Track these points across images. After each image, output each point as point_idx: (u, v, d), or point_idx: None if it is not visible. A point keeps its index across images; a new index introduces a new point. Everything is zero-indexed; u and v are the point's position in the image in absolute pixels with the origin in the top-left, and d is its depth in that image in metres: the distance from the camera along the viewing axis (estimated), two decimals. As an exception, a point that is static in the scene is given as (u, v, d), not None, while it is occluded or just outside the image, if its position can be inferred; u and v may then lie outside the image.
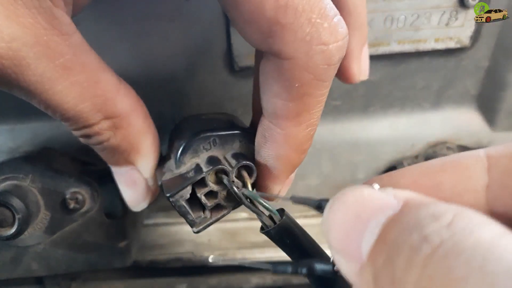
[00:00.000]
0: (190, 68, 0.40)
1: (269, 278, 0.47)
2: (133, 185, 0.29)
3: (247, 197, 0.25)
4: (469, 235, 0.12)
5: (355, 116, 0.46)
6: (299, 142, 0.25)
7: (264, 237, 0.24)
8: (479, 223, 0.13)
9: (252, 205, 0.24)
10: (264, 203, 0.23)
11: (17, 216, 0.32)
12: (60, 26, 0.21)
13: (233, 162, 0.26)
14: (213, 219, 0.26)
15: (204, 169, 0.25)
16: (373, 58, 0.41)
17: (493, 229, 0.13)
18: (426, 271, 0.12)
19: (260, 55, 0.28)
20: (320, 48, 0.21)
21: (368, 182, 0.20)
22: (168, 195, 0.24)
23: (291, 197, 0.21)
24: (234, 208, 0.27)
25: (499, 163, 0.17)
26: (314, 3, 0.21)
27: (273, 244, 0.24)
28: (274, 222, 0.23)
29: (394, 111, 0.46)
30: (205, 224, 0.26)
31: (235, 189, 0.24)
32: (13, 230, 0.32)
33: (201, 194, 0.25)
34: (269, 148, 0.26)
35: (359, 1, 0.29)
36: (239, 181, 0.26)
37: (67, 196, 0.35)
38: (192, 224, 0.26)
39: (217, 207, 0.26)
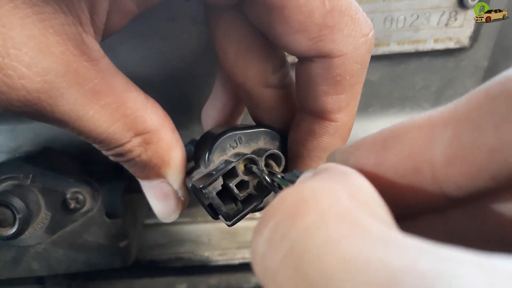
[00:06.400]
0: (190, 68, 0.40)
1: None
2: (164, 198, 0.29)
3: (278, 185, 0.25)
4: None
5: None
6: (348, 130, 0.28)
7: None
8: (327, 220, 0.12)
9: None
10: None
11: (17, 216, 0.32)
12: (89, 52, 0.22)
13: (261, 153, 0.27)
14: (246, 210, 0.27)
15: (234, 160, 0.26)
16: (373, 58, 0.41)
17: (339, 225, 0.12)
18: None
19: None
20: (364, 39, 0.24)
21: (328, 157, 0.19)
22: (200, 186, 0.25)
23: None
24: (264, 198, 0.27)
25: (443, 135, 0.14)
26: (350, 1, 0.23)
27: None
28: None
29: (393, 111, 0.46)
30: (239, 216, 0.26)
31: (265, 176, 0.25)
32: (13, 230, 0.32)
33: (232, 184, 0.25)
34: (320, 140, 0.27)
35: None
36: (268, 170, 0.26)
37: (68, 196, 0.35)
38: (226, 216, 0.26)
39: (247, 199, 0.27)
